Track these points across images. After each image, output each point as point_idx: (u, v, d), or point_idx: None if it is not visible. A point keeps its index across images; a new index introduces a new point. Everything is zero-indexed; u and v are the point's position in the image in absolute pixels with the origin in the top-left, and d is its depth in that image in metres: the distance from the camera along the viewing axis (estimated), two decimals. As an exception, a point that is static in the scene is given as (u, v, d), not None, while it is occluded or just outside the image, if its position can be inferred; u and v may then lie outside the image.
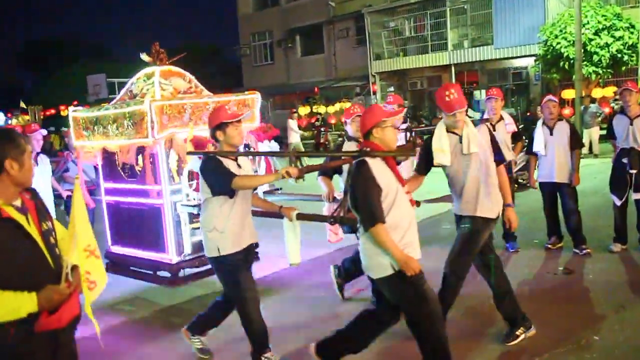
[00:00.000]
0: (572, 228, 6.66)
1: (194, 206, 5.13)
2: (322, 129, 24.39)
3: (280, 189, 6.00)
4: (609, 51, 17.51)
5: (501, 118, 6.71)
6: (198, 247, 5.23)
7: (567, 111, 15.99)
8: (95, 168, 6.59)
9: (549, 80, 20.23)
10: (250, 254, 4.22)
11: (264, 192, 5.52)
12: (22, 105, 23.98)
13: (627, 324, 4.67)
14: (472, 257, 4.43)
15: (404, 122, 7.09)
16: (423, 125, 23.78)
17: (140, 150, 5.41)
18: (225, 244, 4.02)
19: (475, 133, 4.30)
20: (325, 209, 5.25)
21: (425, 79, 27.53)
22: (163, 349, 4.81)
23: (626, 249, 6.57)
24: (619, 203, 6.47)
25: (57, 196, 7.25)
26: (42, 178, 6.11)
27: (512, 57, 22.94)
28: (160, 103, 5.12)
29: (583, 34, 16.77)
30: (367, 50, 26.82)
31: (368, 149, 3.54)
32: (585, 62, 17.21)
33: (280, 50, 32.54)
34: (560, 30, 18.13)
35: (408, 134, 6.74)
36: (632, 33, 17.66)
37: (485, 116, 6.77)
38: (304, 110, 25.38)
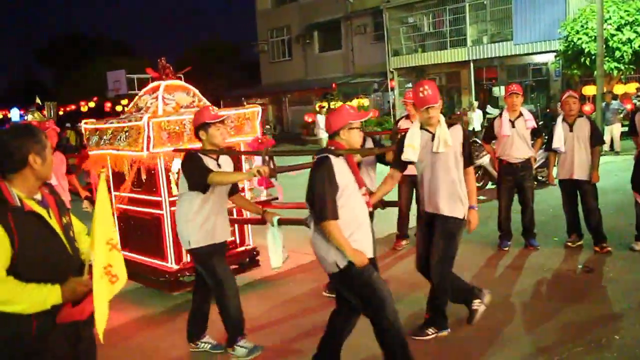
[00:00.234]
0: (592, 226, 6.58)
1: None
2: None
3: (277, 198, 6.01)
4: (631, 47, 17.23)
5: (520, 114, 6.66)
6: None
7: (587, 108, 15.79)
8: None
9: (570, 77, 19.99)
10: (223, 250, 4.42)
11: (259, 202, 5.55)
12: (38, 101, 24.25)
13: (648, 323, 4.61)
14: (454, 256, 4.47)
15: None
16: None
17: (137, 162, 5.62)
18: (196, 238, 4.24)
19: (448, 133, 4.33)
20: None
21: (443, 75, 27.35)
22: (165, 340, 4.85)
23: (648, 247, 6.48)
24: (641, 201, 6.38)
25: (74, 193, 7.28)
26: (57, 174, 6.30)
27: (532, 53, 22.69)
28: (158, 120, 5.29)
29: (605, 29, 16.54)
30: (385, 46, 26.73)
31: (332, 148, 3.66)
32: (607, 58, 16.98)
33: (298, 46, 32.56)
34: (582, 26, 17.90)
35: None
36: (655, 29, 17.37)
37: (505, 113, 6.71)
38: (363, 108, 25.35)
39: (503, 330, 4.64)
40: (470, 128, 19.64)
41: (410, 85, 27.00)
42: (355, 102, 26.07)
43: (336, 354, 3.93)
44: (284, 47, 33.80)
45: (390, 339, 3.65)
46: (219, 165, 4.31)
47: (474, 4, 24.03)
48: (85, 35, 51.93)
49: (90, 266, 2.55)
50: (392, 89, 26.71)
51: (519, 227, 6.93)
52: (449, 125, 4.39)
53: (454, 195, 4.36)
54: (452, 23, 24.76)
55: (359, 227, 3.62)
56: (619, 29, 17.37)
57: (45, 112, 24.56)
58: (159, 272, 5.65)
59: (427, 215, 4.49)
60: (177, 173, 5.24)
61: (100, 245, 2.54)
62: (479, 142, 11.66)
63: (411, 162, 4.43)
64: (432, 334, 4.51)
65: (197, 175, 4.15)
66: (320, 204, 3.52)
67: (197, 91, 6.00)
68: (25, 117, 21.77)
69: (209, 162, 4.24)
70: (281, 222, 4.33)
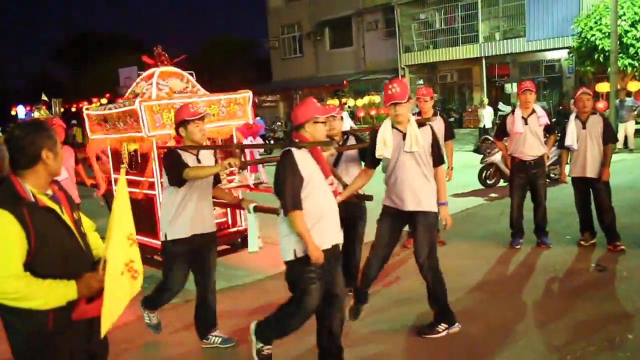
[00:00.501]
0: (606, 224, 6.53)
1: None
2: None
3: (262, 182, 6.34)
4: (645, 43, 17.08)
5: (533, 111, 6.60)
6: None
7: (601, 105, 15.64)
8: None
9: (583, 73, 19.84)
10: (200, 243, 4.47)
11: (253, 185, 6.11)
12: (44, 97, 24.38)
13: (662, 322, 4.57)
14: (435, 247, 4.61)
15: (435, 114, 7.03)
16: (452, 119, 23.63)
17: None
18: (173, 230, 4.38)
19: (418, 133, 4.43)
20: None
21: (455, 72, 27.24)
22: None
23: (662, 246, 6.42)
24: (655, 199, 6.32)
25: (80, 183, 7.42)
26: (67, 167, 6.58)
27: (545, 50, 22.55)
28: (150, 103, 5.55)
29: (619, 25, 16.38)
30: (396, 42, 26.67)
31: (297, 140, 3.78)
32: (621, 55, 16.83)
33: (309, 43, 32.56)
34: (595, 22, 17.76)
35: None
36: (670, 25, 17.19)
37: (517, 110, 6.66)
38: (332, 103, 25.31)
39: (515, 329, 4.61)
40: (481, 125, 19.54)
41: (421, 82, 26.93)
42: (366, 99, 26.05)
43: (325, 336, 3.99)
44: (295, 43, 33.82)
45: (283, 320, 3.87)
46: (198, 161, 4.45)
47: (486, 0, 23.90)
48: (99, 32, 52.21)
49: (106, 262, 2.56)
50: (404, 86, 26.58)
51: (531, 225, 6.88)
52: (419, 125, 4.52)
53: (429, 191, 4.52)
54: (464, 19, 24.66)
55: (324, 217, 3.73)
56: (633, 25, 17.22)
57: (52, 109, 24.67)
58: (152, 250, 5.90)
59: (404, 214, 4.56)
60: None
61: (121, 240, 2.54)
62: (491, 139, 11.61)
63: (383, 158, 4.56)
64: (443, 330, 4.52)
65: (174, 171, 4.32)
66: (284, 195, 3.65)
67: (190, 77, 6.24)
68: (32, 114, 21.86)
69: (188, 157, 4.38)
70: (257, 209, 4.53)
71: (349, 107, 25.26)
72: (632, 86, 17.43)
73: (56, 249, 2.47)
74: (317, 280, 3.73)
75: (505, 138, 6.95)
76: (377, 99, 26.72)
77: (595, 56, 17.67)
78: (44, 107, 21.83)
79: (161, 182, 5.31)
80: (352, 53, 30.58)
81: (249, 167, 6.03)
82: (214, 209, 5.47)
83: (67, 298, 2.43)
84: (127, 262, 2.55)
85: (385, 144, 4.46)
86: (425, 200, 4.49)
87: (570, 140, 6.52)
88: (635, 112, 15.66)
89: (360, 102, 26.07)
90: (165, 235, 4.42)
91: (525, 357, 4.14)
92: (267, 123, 25.08)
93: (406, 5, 26.43)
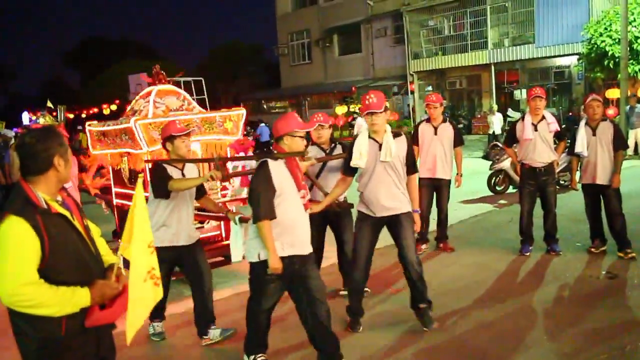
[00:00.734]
0: (616, 231, 6.49)
1: None
2: (359, 129, 24.34)
3: None
4: (656, 49, 16.98)
5: (543, 117, 6.58)
6: None
7: (611, 111, 15.56)
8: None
9: (593, 80, 19.72)
10: (182, 254, 4.66)
11: (242, 199, 6.18)
12: (49, 104, 24.52)
13: (673, 330, 4.53)
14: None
15: (444, 121, 7.03)
16: (461, 125, 23.58)
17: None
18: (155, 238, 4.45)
19: (393, 142, 4.60)
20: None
21: (464, 79, 27.18)
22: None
23: (673, 253, 6.37)
24: (666, 206, 6.28)
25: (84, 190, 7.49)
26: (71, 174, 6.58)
27: (555, 56, 22.45)
28: (145, 121, 5.81)
29: (629, 31, 16.30)
30: (405, 49, 26.64)
31: (275, 152, 3.99)
32: (631, 61, 16.73)
33: (318, 49, 32.61)
34: (605, 28, 17.67)
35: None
36: (680, 31, 17.08)
37: (527, 116, 6.64)
38: (340, 110, 25.34)
39: (525, 336, 4.59)
40: (491, 131, 19.50)
41: (430, 88, 26.89)
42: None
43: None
44: (303, 50, 33.88)
45: (249, 324, 4.17)
46: (183, 175, 4.67)
47: (495, 7, 23.85)
48: (111, 38, 52.68)
49: (119, 268, 2.57)
50: (412, 92, 26.62)
51: (540, 232, 6.85)
52: (395, 135, 4.67)
53: (403, 197, 4.74)
54: (472, 26, 24.59)
55: (292, 228, 3.92)
56: (643, 31, 17.11)
57: (56, 115, 24.75)
58: None
59: (380, 219, 4.75)
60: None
61: (142, 248, 2.58)
62: (500, 145, 11.57)
63: (358, 168, 4.71)
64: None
65: (159, 185, 4.54)
66: (256, 204, 3.84)
67: (187, 95, 6.51)
68: (37, 121, 21.94)
69: (174, 171, 4.61)
70: (242, 220, 4.72)
71: (356, 113, 25.23)
72: (643, 92, 17.36)
73: (69, 256, 2.48)
74: (273, 284, 3.97)
75: (515, 144, 6.93)
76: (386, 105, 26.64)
77: (605, 62, 17.58)
78: (48, 114, 21.92)
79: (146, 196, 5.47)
80: (361, 60, 30.60)
81: (240, 180, 6.29)
82: (208, 222, 5.86)
83: (80, 305, 2.45)
84: (149, 269, 2.59)
85: (360, 154, 4.63)
86: (399, 205, 4.70)
87: (581, 147, 6.49)
88: (646, 119, 15.56)
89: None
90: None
91: (536, 365, 4.12)
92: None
93: (415, 12, 26.43)
